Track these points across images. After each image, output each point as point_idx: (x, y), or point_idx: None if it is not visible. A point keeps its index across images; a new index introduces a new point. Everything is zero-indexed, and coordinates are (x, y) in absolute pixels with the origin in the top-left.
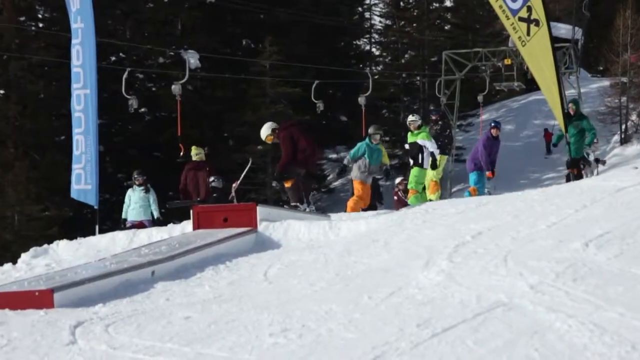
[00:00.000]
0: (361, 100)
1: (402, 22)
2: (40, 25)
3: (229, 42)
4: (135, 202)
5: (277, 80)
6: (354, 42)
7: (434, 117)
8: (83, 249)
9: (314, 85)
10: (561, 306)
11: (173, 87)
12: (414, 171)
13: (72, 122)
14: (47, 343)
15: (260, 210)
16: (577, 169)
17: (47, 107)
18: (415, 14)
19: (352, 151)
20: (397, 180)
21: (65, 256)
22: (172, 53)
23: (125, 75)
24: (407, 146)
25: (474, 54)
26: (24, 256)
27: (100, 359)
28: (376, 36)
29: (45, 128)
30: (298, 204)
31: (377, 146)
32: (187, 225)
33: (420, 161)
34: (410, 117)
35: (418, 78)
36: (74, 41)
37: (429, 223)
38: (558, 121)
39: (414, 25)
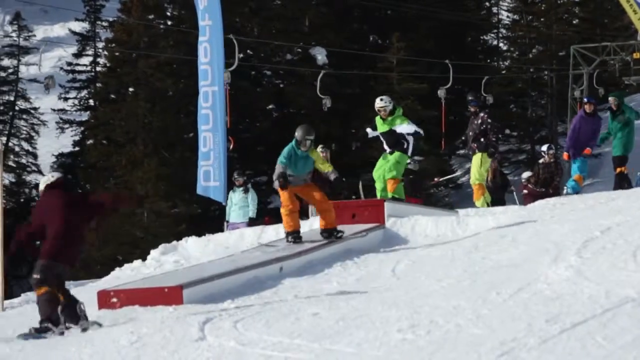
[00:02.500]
0: (441, 93)
1: (530, 17)
2: (169, 23)
3: (356, 38)
4: (235, 203)
5: (404, 76)
6: (482, 37)
7: (472, 109)
8: (211, 246)
9: (319, 76)
10: None
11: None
12: (396, 157)
13: (198, 120)
14: (176, 339)
15: (388, 206)
16: (625, 167)
17: (175, 105)
18: (542, 8)
19: (281, 157)
20: (526, 174)
21: (194, 253)
22: (299, 49)
23: (319, 77)
24: (372, 134)
25: (602, 48)
26: (154, 253)
27: (229, 355)
28: (504, 31)
29: (174, 125)
30: None
31: (306, 153)
32: (314, 221)
33: (405, 147)
34: (379, 102)
35: (546, 73)
36: (201, 38)
37: (557, 218)
38: None
39: (542, 19)
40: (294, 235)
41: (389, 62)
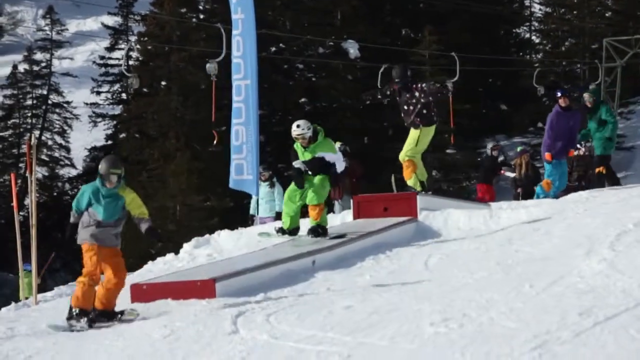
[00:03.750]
0: (448, 86)
1: (562, 10)
2: (201, 16)
3: (388, 32)
4: (262, 197)
5: (436, 69)
6: (514, 30)
7: (395, 87)
8: (244, 239)
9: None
10: None
11: (208, 65)
12: (320, 180)
13: (231, 113)
14: (209, 332)
15: (421, 200)
16: (603, 167)
17: (207, 98)
18: (575, 1)
19: (75, 201)
20: None
21: (226, 246)
22: (331, 43)
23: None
24: (297, 164)
25: (635, 41)
26: (186, 246)
27: (262, 348)
28: (536, 24)
29: (206, 119)
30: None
31: (114, 191)
32: (347, 215)
33: (331, 169)
34: (297, 130)
35: (578, 66)
36: (234, 32)
37: (590, 211)
38: None
39: (574, 12)
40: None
41: (422, 55)
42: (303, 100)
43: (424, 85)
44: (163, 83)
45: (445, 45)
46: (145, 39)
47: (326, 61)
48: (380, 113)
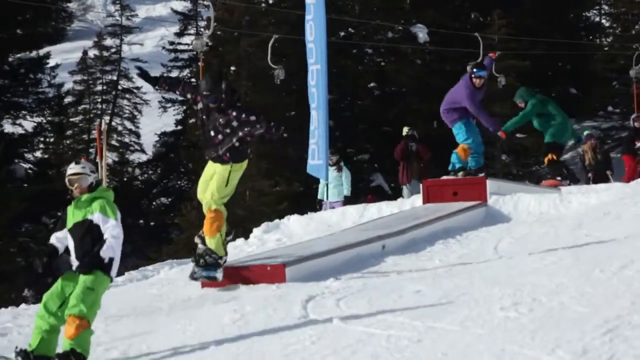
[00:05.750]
0: (469, 69)
1: None
2: (270, 1)
3: (457, 16)
4: (330, 182)
5: (506, 53)
6: (584, 14)
7: (213, 105)
8: (314, 224)
9: (495, 56)
10: None
11: (194, 42)
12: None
13: (308, 97)
14: (279, 317)
15: (490, 184)
16: (554, 154)
17: (276, 83)
18: None
19: None
20: None
21: (296, 231)
22: (400, 28)
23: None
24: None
25: None
26: (256, 231)
27: (332, 332)
28: (606, 7)
29: (275, 104)
30: None
31: None
32: (416, 200)
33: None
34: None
35: None
36: (307, 17)
37: None
38: None
39: None
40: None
41: (491, 39)
42: (372, 84)
43: (249, 116)
44: (232, 68)
45: (514, 29)
46: (215, 24)
47: (395, 45)
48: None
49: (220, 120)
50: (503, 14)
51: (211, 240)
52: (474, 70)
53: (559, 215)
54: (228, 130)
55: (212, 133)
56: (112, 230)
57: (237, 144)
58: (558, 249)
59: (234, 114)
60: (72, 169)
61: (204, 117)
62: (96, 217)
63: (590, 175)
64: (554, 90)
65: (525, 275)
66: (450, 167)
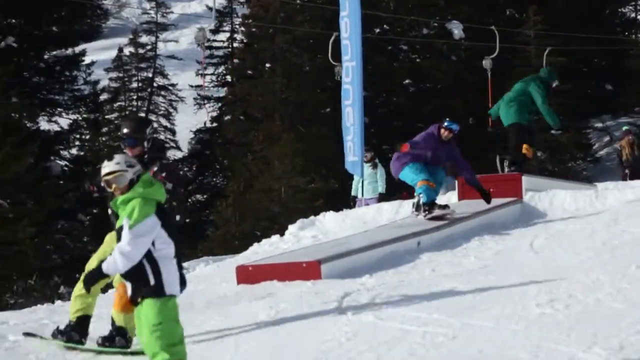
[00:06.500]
0: (486, 63)
1: None
2: None
3: (492, 12)
4: (365, 179)
5: (541, 49)
6: (620, 10)
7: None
8: (349, 221)
9: (545, 53)
10: None
11: (196, 34)
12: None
13: (341, 94)
14: (314, 314)
15: (526, 180)
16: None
17: (311, 80)
18: None
19: None
20: None
21: (331, 228)
22: (436, 24)
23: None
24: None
25: None
26: (291, 228)
27: (367, 329)
28: None
29: (310, 100)
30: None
31: None
32: (452, 196)
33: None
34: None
35: None
36: (342, 13)
37: None
38: None
39: None
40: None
41: (526, 35)
42: (407, 81)
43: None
44: (267, 65)
45: (550, 25)
46: (250, 20)
47: (430, 42)
48: (484, 94)
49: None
50: (538, 9)
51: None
52: (447, 120)
53: (595, 211)
54: None
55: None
56: (121, 243)
57: (173, 202)
58: (594, 245)
59: (154, 169)
60: (105, 167)
61: None
62: (124, 222)
63: (627, 171)
64: (590, 87)
65: (561, 271)
66: (426, 200)
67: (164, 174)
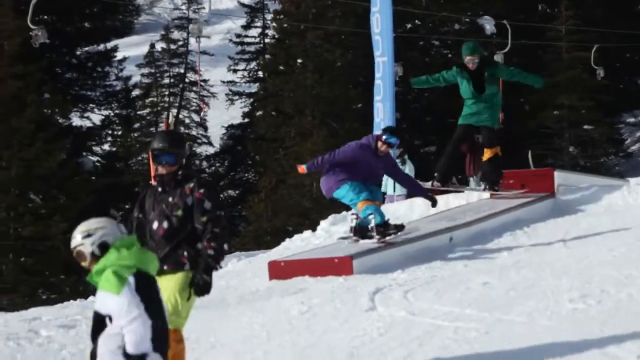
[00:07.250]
0: (497, 58)
1: None
2: None
3: (524, 8)
4: None
5: (573, 45)
6: None
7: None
8: None
9: (593, 50)
10: None
11: (191, 26)
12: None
13: (373, 90)
14: (346, 309)
15: (558, 176)
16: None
17: (343, 76)
18: None
19: None
20: None
21: None
22: (467, 20)
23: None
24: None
25: None
26: (323, 223)
27: (399, 325)
28: None
29: (342, 96)
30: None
31: None
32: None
33: None
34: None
35: None
36: (373, 9)
37: None
38: None
39: None
40: None
41: (558, 31)
42: None
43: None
44: (299, 61)
45: (582, 20)
46: (281, 17)
47: (462, 38)
48: (517, 89)
49: (170, 199)
50: (570, 4)
51: None
52: (386, 133)
53: (627, 207)
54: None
55: (156, 223)
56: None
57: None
58: (626, 241)
59: (200, 190)
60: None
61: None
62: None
63: None
64: (622, 82)
65: (593, 267)
66: (379, 221)
67: (202, 190)
